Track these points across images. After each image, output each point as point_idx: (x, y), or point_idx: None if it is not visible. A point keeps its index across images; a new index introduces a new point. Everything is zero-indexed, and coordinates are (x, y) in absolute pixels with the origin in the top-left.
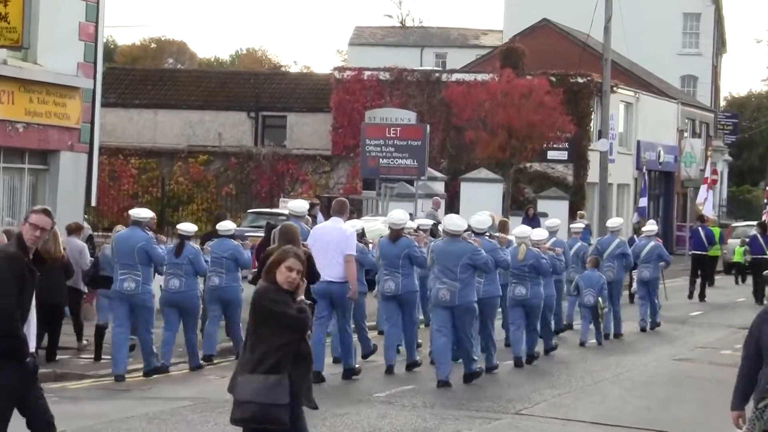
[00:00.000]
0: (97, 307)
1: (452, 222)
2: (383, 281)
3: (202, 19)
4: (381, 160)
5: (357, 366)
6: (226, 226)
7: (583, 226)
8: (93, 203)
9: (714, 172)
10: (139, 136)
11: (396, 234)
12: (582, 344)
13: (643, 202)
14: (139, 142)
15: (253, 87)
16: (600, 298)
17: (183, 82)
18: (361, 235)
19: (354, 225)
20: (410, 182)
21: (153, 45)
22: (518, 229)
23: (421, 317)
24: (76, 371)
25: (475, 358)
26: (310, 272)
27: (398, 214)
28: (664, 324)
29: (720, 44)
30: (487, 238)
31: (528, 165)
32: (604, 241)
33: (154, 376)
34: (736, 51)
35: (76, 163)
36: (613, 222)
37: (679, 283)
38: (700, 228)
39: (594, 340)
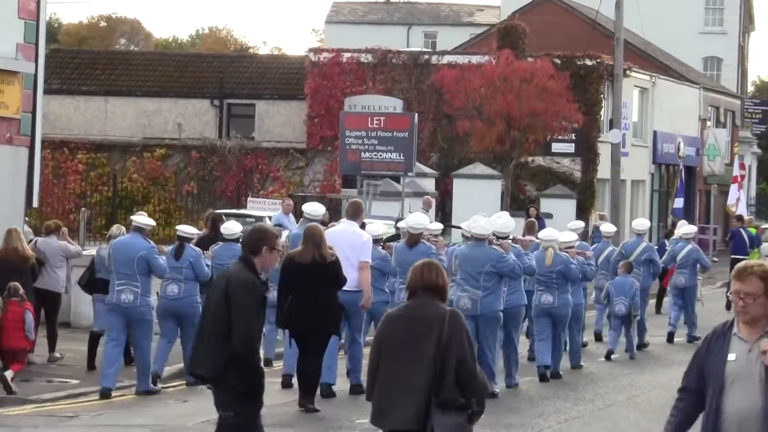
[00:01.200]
0: (94, 313)
1: (477, 225)
2: (398, 290)
3: None
4: (363, 154)
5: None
6: (232, 229)
7: (615, 229)
8: (35, 204)
9: (741, 166)
10: (87, 127)
11: (414, 239)
12: (608, 356)
13: (679, 202)
14: (87, 135)
15: (217, 71)
16: (632, 306)
17: (137, 65)
18: (382, 240)
19: (375, 230)
20: (396, 179)
21: (102, 23)
22: (545, 232)
23: None
24: (22, 394)
25: (495, 380)
26: (336, 278)
27: (417, 217)
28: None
29: (747, 21)
30: (509, 242)
31: (530, 159)
32: (628, 246)
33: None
34: (766, 29)
35: (15, 159)
36: (639, 224)
37: (709, 292)
38: (742, 230)
39: (626, 353)
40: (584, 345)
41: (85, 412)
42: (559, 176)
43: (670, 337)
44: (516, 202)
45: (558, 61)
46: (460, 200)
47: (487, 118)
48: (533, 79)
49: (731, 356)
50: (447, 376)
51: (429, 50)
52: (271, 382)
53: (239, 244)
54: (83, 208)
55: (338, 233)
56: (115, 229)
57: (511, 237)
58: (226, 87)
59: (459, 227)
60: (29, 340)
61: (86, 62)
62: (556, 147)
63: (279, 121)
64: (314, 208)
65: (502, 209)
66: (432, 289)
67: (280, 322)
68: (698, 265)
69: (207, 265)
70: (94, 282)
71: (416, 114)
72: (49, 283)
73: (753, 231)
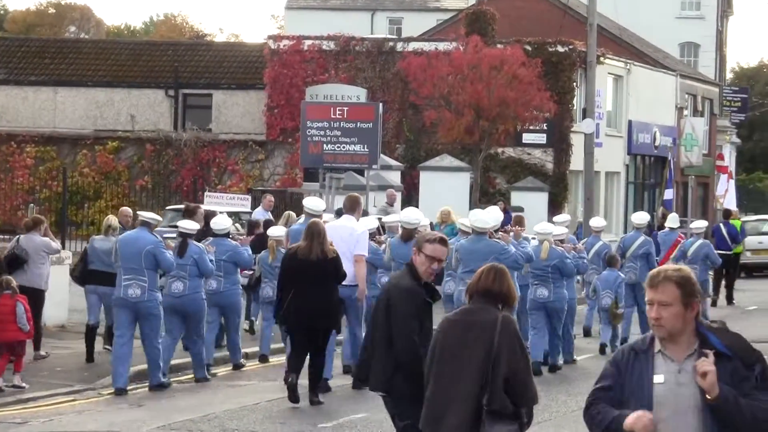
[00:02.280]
0: (87, 306)
1: (479, 218)
2: None
3: None
4: (325, 146)
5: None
6: (222, 223)
7: (605, 223)
8: None
9: (719, 157)
10: (35, 119)
11: (409, 234)
12: (602, 350)
13: (669, 194)
14: (35, 127)
15: (172, 60)
16: (615, 298)
17: (87, 54)
18: (374, 234)
19: (368, 224)
20: (360, 172)
21: (51, 10)
22: (541, 225)
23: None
24: None
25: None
26: (336, 273)
27: (412, 213)
28: None
29: (725, 5)
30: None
31: (500, 150)
32: (627, 239)
33: (159, 390)
34: (745, 13)
35: None
36: (638, 218)
37: None
38: (721, 225)
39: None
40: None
41: (35, 417)
42: (531, 168)
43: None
44: (485, 196)
45: (529, 47)
46: (427, 193)
47: (455, 108)
48: (503, 66)
49: (658, 378)
50: (496, 384)
51: (394, 37)
52: (269, 379)
53: (229, 240)
54: (32, 204)
55: (334, 228)
56: (113, 220)
57: (503, 229)
58: (182, 76)
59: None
60: (24, 331)
61: (34, 51)
62: (527, 137)
63: (237, 112)
64: (315, 203)
65: (470, 203)
66: (488, 294)
67: (279, 318)
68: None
69: (210, 260)
70: (86, 273)
71: (381, 104)
72: (33, 279)
73: (737, 223)
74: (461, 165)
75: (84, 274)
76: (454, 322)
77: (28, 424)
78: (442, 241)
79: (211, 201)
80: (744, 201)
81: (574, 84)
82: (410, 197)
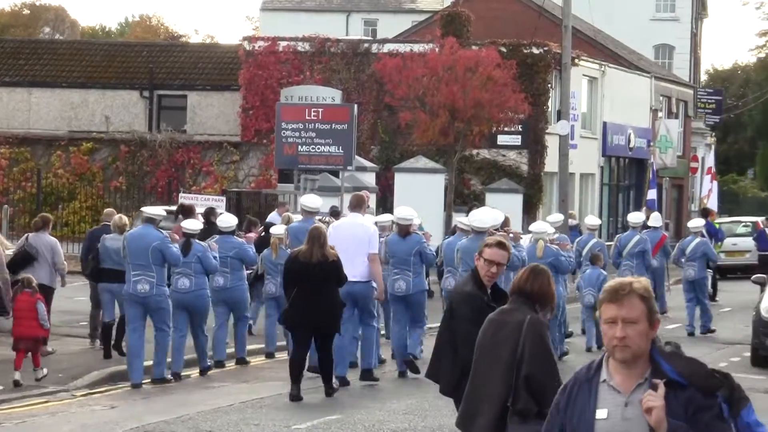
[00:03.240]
0: (102, 304)
1: (477, 218)
2: (393, 280)
3: None
4: (300, 147)
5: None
6: (229, 222)
7: (600, 222)
8: None
9: (694, 158)
10: (9, 119)
11: (404, 230)
12: (588, 350)
13: (652, 194)
14: (9, 128)
15: (147, 61)
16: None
17: (62, 55)
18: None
19: (383, 219)
20: (335, 173)
21: (25, 11)
22: (536, 225)
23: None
24: None
25: None
26: (337, 276)
27: (406, 210)
28: None
29: (700, 7)
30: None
31: (475, 152)
32: (624, 238)
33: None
34: (719, 16)
35: None
36: (634, 217)
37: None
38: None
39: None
40: (569, 335)
41: (8, 419)
42: (505, 170)
43: (690, 335)
44: (460, 197)
45: (504, 49)
46: (402, 195)
47: (430, 109)
48: (478, 68)
49: (601, 413)
50: (520, 384)
51: (369, 38)
52: (243, 380)
53: (235, 237)
54: (5, 206)
55: (344, 226)
56: (125, 219)
57: (504, 230)
58: (156, 77)
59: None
60: (45, 328)
61: (9, 52)
62: (501, 139)
63: (212, 113)
64: (312, 201)
65: (445, 204)
66: (521, 294)
67: (284, 319)
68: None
69: (214, 257)
70: (98, 271)
71: (356, 105)
72: (42, 276)
73: (717, 225)
74: (436, 166)
75: (96, 272)
76: (491, 321)
77: (1, 426)
78: (501, 245)
79: (185, 202)
80: (718, 203)
81: (549, 86)
82: (385, 198)
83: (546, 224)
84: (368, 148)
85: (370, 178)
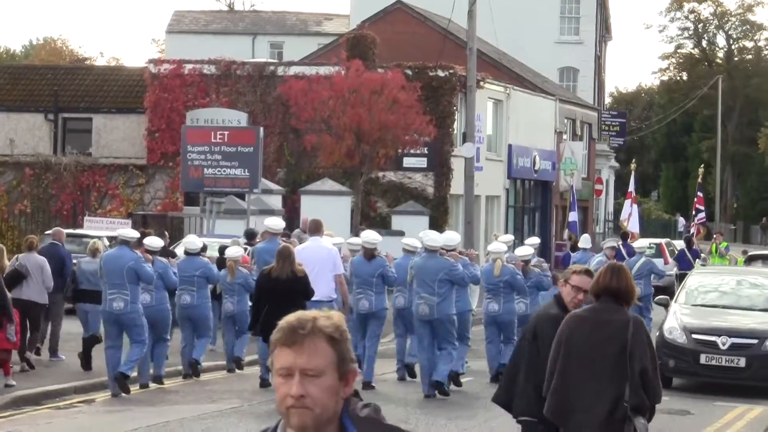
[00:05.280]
0: (81, 322)
1: (429, 237)
2: (356, 299)
3: None
4: (206, 170)
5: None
6: (195, 243)
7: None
8: None
9: (598, 181)
10: None
11: (370, 253)
12: None
13: (573, 216)
14: None
15: (51, 84)
16: None
17: None
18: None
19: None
20: (241, 196)
21: None
22: (493, 245)
23: None
24: None
25: (463, 367)
26: (305, 291)
27: (371, 234)
28: None
29: (604, 30)
30: (458, 254)
31: (381, 174)
32: (629, 263)
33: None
34: (623, 39)
35: None
36: (585, 240)
37: None
38: (621, 246)
39: None
40: None
41: None
42: (411, 192)
43: None
44: (367, 220)
45: (409, 72)
46: (309, 217)
47: (335, 132)
48: (384, 90)
49: None
50: (635, 381)
51: (275, 61)
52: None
53: (201, 258)
54: None
55: (308, 249)
56: (99, 244)
57: (458, 250)
58: (61, 100)
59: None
60: (11, 341)
61: None
62: (407, 161)
63: (117, 136)
64: (275, 223)
65: (351, 227)
66: (608, 292)
67: (255, 331)
68: (652, 275)
69: (174, 273)
70: (78, 293)
71: (262, 128)
72: (32, 294)
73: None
74: (342, 189)
75: (75, 293)
76: (581, 318)
77: None
78: (588, 273)
79: (91, 225)
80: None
81: (455, 108)
82: (291, 221)
83: (502, 244)
84: (274, 171)
85: (276, 201)
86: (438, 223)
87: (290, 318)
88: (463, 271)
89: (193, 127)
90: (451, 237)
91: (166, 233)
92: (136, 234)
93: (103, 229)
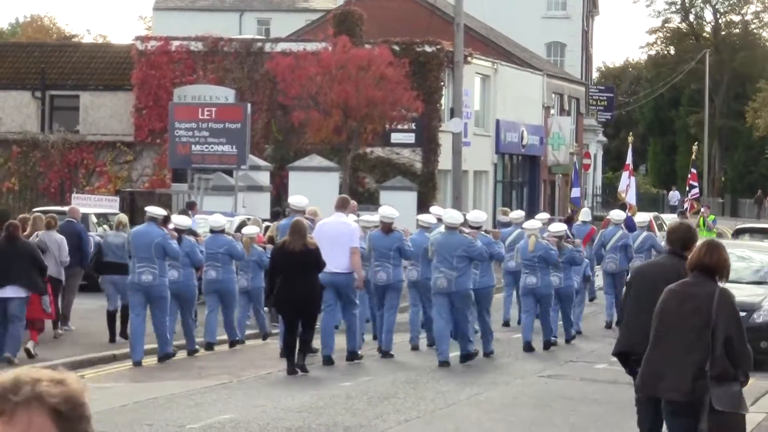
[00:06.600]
0: (105, 294)
1: (450, 216)
2: (374, 272)
3: None
4: (193, 146)
5: (360, 352)
6: (219, 222)
7: (624, 216)
8: None
9: (586, 155)
10: None
11: (387, 227)
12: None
13: (576, 192)
14: None
15: (38, 61)
16: None
17: None
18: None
19: (368, 219)
20: (229, 172)
21: None
22: (528, 222)
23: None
24: None
25: (471, 339)
26: (317, 263)
27: (389, 210)
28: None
29: (591, 5)
30: (482, 232)
31: (369, 150)
32: (607, 233)
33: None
34: (610, 13)
35: None
36: (616, 214)
37: None
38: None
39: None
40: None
41: None
42: (399, 168)
43: (609, 325)
44: (355, 195)
45: (397, 47)
46: (297, 193)
47: (323, 108)
48: (371, 66)
49: None
50: (717, 351)
51: (262, 38)
52: (138, 380)
53: (225, 235)
54: None
55: (329, 224)
56: (124, 218)
57: (483, 229)
58: (49, 78)
59: None
60: (47, 312)
61: None
62: (395, 137)
63: (105, 113)
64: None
65: None
66: (701, 267)
67: (270, 302)
68: (653, 250)
69: (201, 251)
70: (102, 264)
71: (249, 104)
72: (53, 270)
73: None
74: (330, 165)
75: (99, 265)
76: (673, 292)
77: None
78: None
79: (78, 202)
80: (609, 199)
81: (442, 84)
82: (279, 197)
83: (537, 222)
84: (262, 147)
85: (264, 177)
86: (426, 199)
87: (4, 378)
88: (482, 247)
89: (181, 104)
90: (478, 215)
91: (190, 212)
92: (163, 212)
93: (91, 206)
